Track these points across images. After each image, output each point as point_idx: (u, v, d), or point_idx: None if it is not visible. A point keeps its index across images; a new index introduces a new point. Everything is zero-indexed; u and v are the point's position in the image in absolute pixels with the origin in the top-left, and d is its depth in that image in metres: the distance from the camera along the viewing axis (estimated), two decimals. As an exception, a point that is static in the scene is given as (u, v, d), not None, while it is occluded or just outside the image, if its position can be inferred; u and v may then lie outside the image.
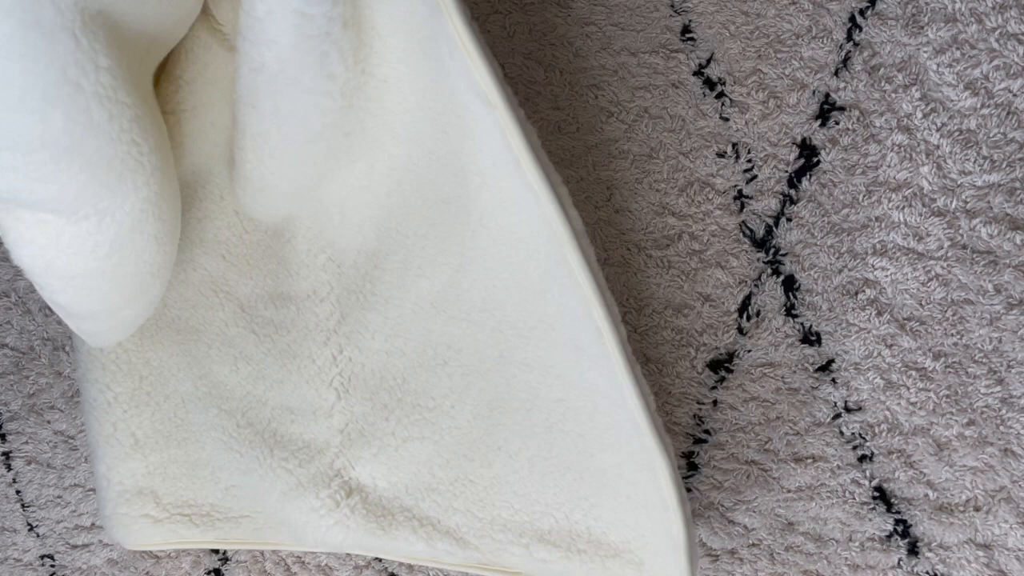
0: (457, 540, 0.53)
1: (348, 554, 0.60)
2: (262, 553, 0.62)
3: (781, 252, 0.51)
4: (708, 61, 0.52)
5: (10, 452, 0.67)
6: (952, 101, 0.48)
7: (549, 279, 0.46)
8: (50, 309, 0.66)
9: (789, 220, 0.51)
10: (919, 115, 0.49)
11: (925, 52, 0.48)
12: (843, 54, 0.50)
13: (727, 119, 0.52)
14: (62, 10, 0.39)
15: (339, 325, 0.54)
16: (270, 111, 0.47)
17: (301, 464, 0.56)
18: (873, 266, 0.50)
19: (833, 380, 0.51)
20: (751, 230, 0.52)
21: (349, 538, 0.55)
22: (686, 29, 0.52)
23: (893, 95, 0.49)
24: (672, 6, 0.52)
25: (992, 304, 0.48)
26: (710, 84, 0.52)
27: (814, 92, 0.50)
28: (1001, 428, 0.48)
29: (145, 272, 0.49)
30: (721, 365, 0.53)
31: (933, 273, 0.49)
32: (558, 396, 0.49)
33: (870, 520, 0.50)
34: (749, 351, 0.52)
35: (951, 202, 0.48)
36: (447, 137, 0.47)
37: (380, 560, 0.60)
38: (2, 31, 0.37)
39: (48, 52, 0.39)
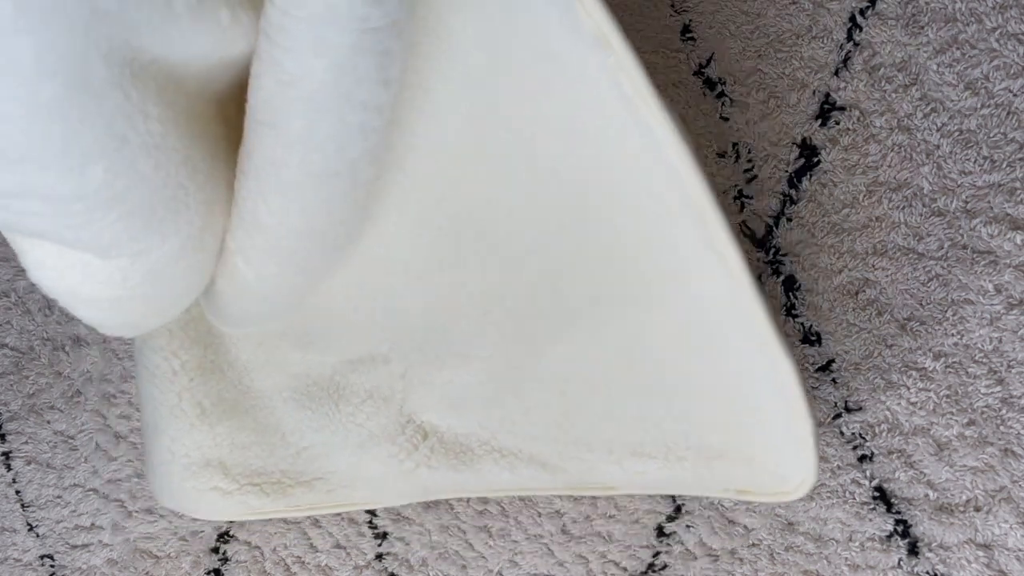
0: (542, 465, 0.51)
1: (348, 554, 0.60)
2: (262, 553, 0.62)
3: (781, 252, 0.51)
4: (708, 61, 0.52)
5: (10, 452, 0.67)
6: (952, 101, 0.48)
7: (635, 212, 0.43)
8: (50, 309, 0.66)
9: (789, 220, 0.51)
10: (919, 115, 0.49)
11: (925, 52, 0.48)
12: (843, 54, 0.50)
13: (727, 119, 0.52)
14: (112, 65, 0.34)
15: (360, 287, 0.51)
16: (297, 135, 0.38)
17: (369, 417, 0.54)
18: (873, 266, 0.50)
19: (833, 380, 0.51)
20: (751, 230, 0.52)
21: (432, 477, 0.54)
22: (686, 29, 0.52)
23: (893, 95, 0.49)
24: (672, 6, 0.52)
25: (992, 304, 0.48)
26: (710, 84, 0.52)
27: (814, 92, 0.50)
28: (1001, 428, 0.48)
29: (179, 294, 0.47)
30: (721, 365, 0.53)
31: (933, 273, 0.49)
32: (641, 319, 0.46)
33: (870, 520, 0.50)
34: (749, 351, 0.52)
35: (951, 202, 0.48)
36: (494, 104, 0.43)
37: (380, 559, 0.60)
38: (48, 94, 0.33)
39: (95, 111, 0.34)
